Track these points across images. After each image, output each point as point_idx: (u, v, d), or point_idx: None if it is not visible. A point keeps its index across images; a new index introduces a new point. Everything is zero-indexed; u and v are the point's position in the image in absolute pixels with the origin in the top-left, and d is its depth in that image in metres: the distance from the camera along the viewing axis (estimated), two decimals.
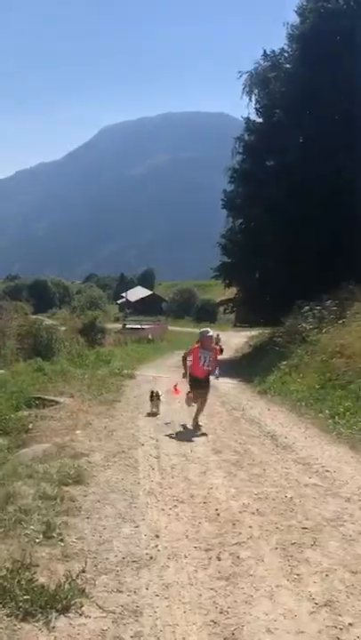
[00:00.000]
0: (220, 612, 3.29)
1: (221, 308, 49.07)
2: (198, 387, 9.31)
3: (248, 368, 19.43)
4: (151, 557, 3.98)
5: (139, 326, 49.35)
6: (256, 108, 26.74)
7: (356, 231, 21.13)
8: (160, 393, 10.37)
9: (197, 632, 3.08)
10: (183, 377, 9.46)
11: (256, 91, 26.89)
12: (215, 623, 3.17)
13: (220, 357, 25.86)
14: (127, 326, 50.26)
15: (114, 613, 3.21)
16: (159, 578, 3.68)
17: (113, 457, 6.66)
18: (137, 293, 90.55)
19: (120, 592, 3.46)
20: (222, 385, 16.18)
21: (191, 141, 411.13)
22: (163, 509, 4.98)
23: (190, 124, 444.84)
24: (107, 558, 3.93)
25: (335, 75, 22.84)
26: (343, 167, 21.70)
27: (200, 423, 9.08)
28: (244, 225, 26.65)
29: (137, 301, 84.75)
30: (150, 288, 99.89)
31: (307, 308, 16.47)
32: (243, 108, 34.22)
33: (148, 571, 3.78)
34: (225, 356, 28.54)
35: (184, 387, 9.99)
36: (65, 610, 3.19)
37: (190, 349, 9.51)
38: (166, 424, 9.09)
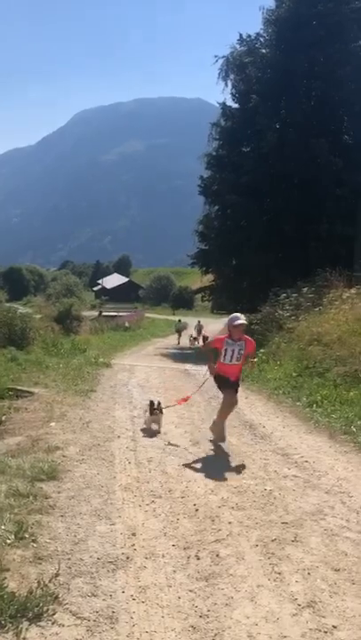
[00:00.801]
0: (200, 616, 3.15)
1: (199, 296, 48.93)
2: (228, 388, 7.24)
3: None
4: (128, 557, 3.83)
5: (115, 314, 48.99)
6: (232, 94, 26.54)
7: (332, 217, 21.17)
8: (162, 405, 7.89)
9: (176, 638, 2.95)
10: (211, 374, 7.45)
11: (232, 76, 26.66)
12: (195, 628, 3.04)
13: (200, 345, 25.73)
14: (103, 314, 49.85)
15: (88, 620, 3.05)
16: (136, 580, 3.54)
17: (88, 450, 6.48)
18: (113, 280, 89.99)
19: (95, 596, 3.31)
20: (200, 374, 16.13)
21: (167, 127, 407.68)
22: (140, 505, 4.83)
23: (166, 110, 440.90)
24: (81, 559, 3.76)
25: (311, 60, 22.75)
26: (319, 153, 21.68)
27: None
28: (220, 211, 26.51)
29: (113, 288, 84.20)
30: (126, 275, 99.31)
31: (283, 295, 16.43)
32: (219, 95, 33.79)
33: (125, 572, 3.63)
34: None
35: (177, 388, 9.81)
36: (37, 618, 3.02)
37: (213, 340, 7.71)
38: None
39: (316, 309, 14.36)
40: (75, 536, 4.13)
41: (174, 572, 3.68)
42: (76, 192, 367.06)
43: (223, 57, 26.76)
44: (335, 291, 14.70)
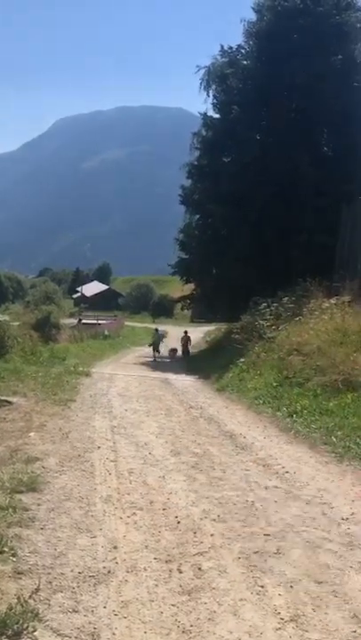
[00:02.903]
0: (183, 632, 3.12)
1: (179, 305, 49.02)
2: None
3: (206, 364, 19.44)
4: (109, 571, 3.78)
5: (95, 321, 48.68)
6: (213, 104, 26.70)
7: (313, 228, 21.40)
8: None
9: None
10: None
11: (213, 86, 26.83)
12: None
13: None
14: (83, 321, 49.47)
15: (70, 637, 3.00)
16: (118, 594, 3.49)
17: (68, 461, 6.40)
18: (93, 288, 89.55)
19: (76, 612, 3.25)
20: (180, 382, 16.14)
21: (148, 136, 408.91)
22: (121, 517, 4.79)
23: (147, 119, 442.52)
24: (62, 574, 3.70)
25: (291, 72, 23.02)
26: (299, 164, 21.92)
27: None
28: (201, 221, 26.62)
29: (93, 296, 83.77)
30: (106, 283, 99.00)
31: (264, 304, 16.53)
32: (200, 104, 33.86)
33: (106, 586, 3.58)
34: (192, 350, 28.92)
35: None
36: (17, 636, 2.96)
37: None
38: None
39: (297, 319, 14.45)
40: (55, 549, 4.07)
41: (156, 585, 3.64)
42: (56, 199, 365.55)
43: (205, 67, 26.92)
44: (315, 301, 14.81)
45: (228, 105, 24.80)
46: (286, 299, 15.99)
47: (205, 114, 26.79)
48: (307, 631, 3.15)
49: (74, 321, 50.67)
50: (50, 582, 3.58)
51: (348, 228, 20.05)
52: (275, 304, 16.14)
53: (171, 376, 17.48)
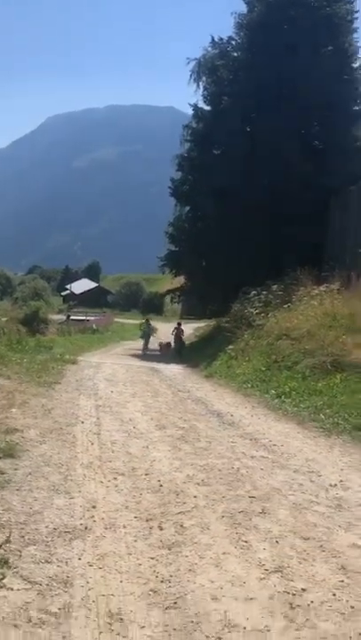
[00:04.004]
0: (162, 582, 2.95)
1: (168, 300, 48.71)
2: None
3: (195, 354, 19.30)
4: (86, 528, 3.61)
5: (84, 318, 48.33)
6: (204, 96, 26.48)
7: (302, 220, 21.28)
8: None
9: (135, 602, 2.74)
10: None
11: (204, 78, 26.63)
12: (155, 592, 2.84)
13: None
14: (72, 318, 49.10)
15: (40, 585, 2.82)
16: (94, 548, 3.32)
17: (50, 433, 6.20)
18: (82, 286, 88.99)
19: (49, 562, 3.08)
20: (168, 370, 15.96)
21: (139, 135, 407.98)
22: (101, 482, 4.61)
23: (139, 118, 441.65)
24: (36, 529, 3.52)
25: (282, 64, 22.87)
26: (289, 155, 21.79)
27: None
28: (191, 213, 26.39)
29: (82, 294, 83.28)
30: (96, 281, 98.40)
31: (253, 293, 16.39)
32: (192, 103, 33.55)
33: (82, 541, 3.41)
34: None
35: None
36: None
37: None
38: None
39: (286, 306, 14.31)
40: (30, 508, 3.88)
41: (135, 541, 3.47)
42: (47, 197, 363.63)
43: (195, 59, 26.70)
44: (304, 288, 14.70)
45: (219, 96, 24.62)
46: (276, 287, 15.85)
47: (196, 105, 26.58)
48: (292, 581, 2.99)
49: (63, 317, 50.33)
50: (22, 536, 3.40)
51: (337, 220, 19.98)
52: (264, 292, 16.00)
53: (158, 365, 17.30)
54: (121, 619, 2.58)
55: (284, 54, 22.78)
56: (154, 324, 39.69)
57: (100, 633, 2.46)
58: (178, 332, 25.89)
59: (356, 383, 8.54)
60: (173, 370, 16.04)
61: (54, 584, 2.84)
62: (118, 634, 2.47)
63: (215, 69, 25.81)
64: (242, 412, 8.36)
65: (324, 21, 22.31)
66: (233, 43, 25.85)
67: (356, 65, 23.95)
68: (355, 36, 23.91)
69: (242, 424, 7.42)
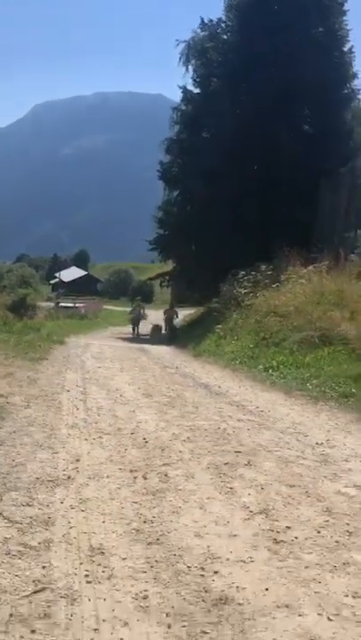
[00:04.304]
0: (145, 522, 2.92)
1: (158, 288, 48.46)
2: None
3: (184, 336, 19.28)
4: (69, 477, 3.56)
5: (72, 304, 48.06)
6: (193, 78, 26.26)
7: (291, 202, 21.25)
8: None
9: (117, 539, 2.70)
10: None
11: (193, 61, 26.40)
12: (138, 531, 2.80)
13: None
14: (60, 304, 48.80)
15: (21, 524, 2.77)
16: (77, 494, 3.27)
17: (35, 399, 6.13)
18: (71, 274, 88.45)
19: (30, 506, 3.03)
20: (156, 350, 15.92)
21: (128, 123, 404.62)
22: (86, 439, 4.56)
23: (127, 105, 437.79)
24: (18, 478, 3.47)
25: (272, 45, 22.71)
26: (279, 138, 21.71)
27: None
28: (180, 197, 26.24)
29: (71, 282, 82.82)
30: (85, 269, 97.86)
31: (242, 274, 16.35)
32: (181, 85, 32.97)
33: (65, 488, 3.36)
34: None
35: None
36: None
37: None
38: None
39: (275, 285, 14.29)
40: (13, 461, 3.83)
41: (119, 488, 3.42)
42: (34, 185, 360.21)
43: (185, 42, 26.45)
44: (293, 268, 14.67)
45: (208, 78, 24.43)
46: (265, 267, 15.81)
47: (185, 88, 26.35)
48: (277, 521, 2.96)
49: (51, 304, 50.02)
50: (4, 484, 3.34)
51: (327, 203, 19.97)
52: (253, 273, 15.96)
53: (147, 346, 17.28)
54: (102, 552, 2.54)
55: (274, 35, 22.62)
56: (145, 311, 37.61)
57: (81, 564, 2.42)
58: (170, 315, 25.11)
59: (344, 355, 8.54)
60: (162, 350, 16.02)
61: (35, 523, 2.79)
62: (99, 564, 2.43)
63: (205, 52, 25.59)
64: (229, 384, 8.34)
65: (314, 2, 22.16)
66: (223, 25, 25.63)
67: (346, 48, 23.89)
68: (345, 18, 23.80)
69: (229, 394, 7.39)
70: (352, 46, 23.71)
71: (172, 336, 22.11)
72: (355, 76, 23.76)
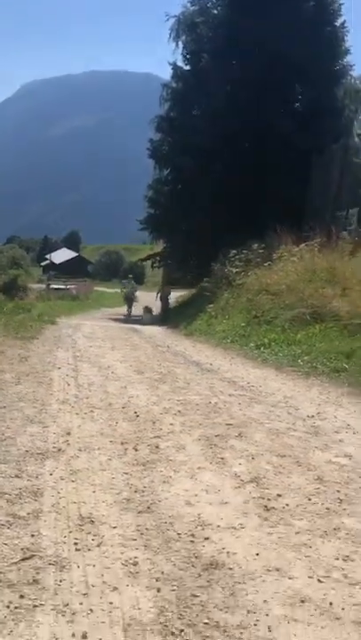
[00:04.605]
0: (135, 492, 2.90)
1: (149, 269, 48.25)
2: None
3: (175, 316, 19.23)
4: (59, 450, 3.54)
5: (63, 286, 47.79)
6: (183, 54, 25.84)
7: (283, 181, 21.08)
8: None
9: (107, 508, 2.68)
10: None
11: (183, 37, 25.97)
12: (128, 500, 2.79)
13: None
14: (51, 286, 48.49)
15: (9, 495, 2.75)
16: (67, 466, 3.25)
17: (25, 376, 6.08)
18: (62, 255, 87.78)
19: (19, 478, 3.00)
20: (148, 330, 15.88)
21: (118, 102, 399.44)
22: (77, 414, 4.53)
23: (117, 84, 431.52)
24: (7, 451, 3.44)
25: (263, 21, 22.35)
26: (270, 115, 21.47)
27: None
28: (171, 175, 25.98)
29: (62, 263, 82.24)
30: (76, 250, 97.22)
31: (234, 252, 16.27)
32: (171, 62, 32.27)
33: (55, 460, 3.34)
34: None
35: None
36: None
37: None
38: None
39: (266, 264, 14.24)
40: (2, 435, 3.80)
41: (110, 460, 3.41)
42: (23, 166, 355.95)
43: (175, 17, 25.99)
44: (285, 247, 14.61)
45: (198, 54, 24.05)
46: (256, 246, 15.75)
47: (175, 64, 25.93)
48: (267, 489, 2.96)
49: (42, 286, 49.72)
50: None
51: (319, 180, 19.82)
52: (245, 251, 15.89)
53: (139, 326, 17.24)
54: (92, 521, 2.53)
55: (265, 10, 22.23)
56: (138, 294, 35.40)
57: (70, 532, 2.41)
58: (164, 294, 24.36)
59: (335, 331, 8.54)
60: (153, 330, 15.98)
61: (24, 494, 2.77)
62: (89, 533, 2.41)
63: (195, 27, 25.16)
64: (221, 362, 8.32)
65: None
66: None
67: (338, 23, 23.55)
68: None
69: (220, 370, 7.38)
70: (344, 21, 23.36)
71: (165, 316, 21.77)
72: (347, 51, 23.44)
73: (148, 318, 22.57)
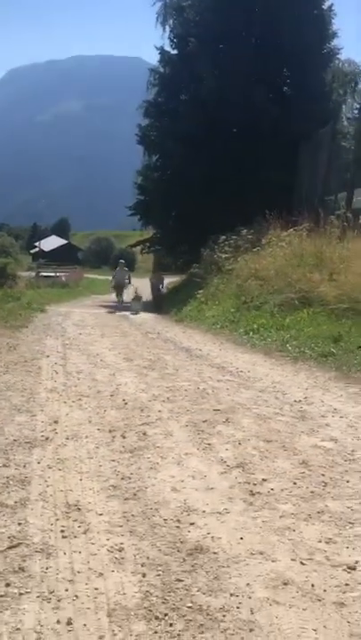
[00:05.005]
0: (122, 479, 2.93)
1: (140, 256, 48.11)
2: None
3: (166, 303, 19.24)
4: (47, 438, 3.55)
5: (53, 274, 47.52)
6: (170, 39, 25.56)
7: (271, 166, 21.02)
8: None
9: (94, 496, 2.71)
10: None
11: (170, 21, 25.69)
12: (115, 487, 2.81)
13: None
14: (41, 274, 48.19)
15: None
16: (54, 454, 3.27)
17: (14, 365, 6.08)
18: (51, 243, 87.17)
19: (6, 467, 3.02)
20: (138, 317, 15.90)
21: (105, 87, 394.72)
22: (65, 402, 4.55)
23: (104, 69, 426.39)
24: None
25: (249, 4, 22.17)
26: (258, 100, 21.34)
27: None
28: (160, 161, 25.82)
29: (51, 251, 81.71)
30: (65, 238, 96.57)
31: (223, 238, 16.26)
32: (158, 52, 31.81)
33: (42, 449, 3.35)
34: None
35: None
36: None
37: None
38: None
39: (255, 250, 14.24)
40: None
41: (97, 448, 3.43)
42: (9, 153, 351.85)
43: (161, 0, 25.73)
44: (273, 232, 14.60)
45: (185, 38, 23.78)
46: (245, 231, 15.73)
47: (162, 48, 25.65)
48: (253, 474, 3.00)
49: (32, 274, 49.39)
50: None
51: (307, 165, 19.77)
52: (234, 237, 15.87)
53: (128, 314, 17.22)
54: (78, 509, 2.55)
55: None
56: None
57: (57, 520, 2.43)
58: (156, 283, 23.63)
59: (323, 316, 8.59)
60: (144, 316, 15.99)
61: (11, 483, 2.79)
62: (75, 520, 2.44)
63: (182, 10, 24.90)
64: (210, 348, 8.36)
65: None
66: None
67: (325, 6, 23.39)
68: None
69: (210, 356, 7.41)
70: (332, 4, 23.22)
71: (157, 304, 21.20)
72: (334, 34, 23.31)
73: (138, 306, 22.00)
